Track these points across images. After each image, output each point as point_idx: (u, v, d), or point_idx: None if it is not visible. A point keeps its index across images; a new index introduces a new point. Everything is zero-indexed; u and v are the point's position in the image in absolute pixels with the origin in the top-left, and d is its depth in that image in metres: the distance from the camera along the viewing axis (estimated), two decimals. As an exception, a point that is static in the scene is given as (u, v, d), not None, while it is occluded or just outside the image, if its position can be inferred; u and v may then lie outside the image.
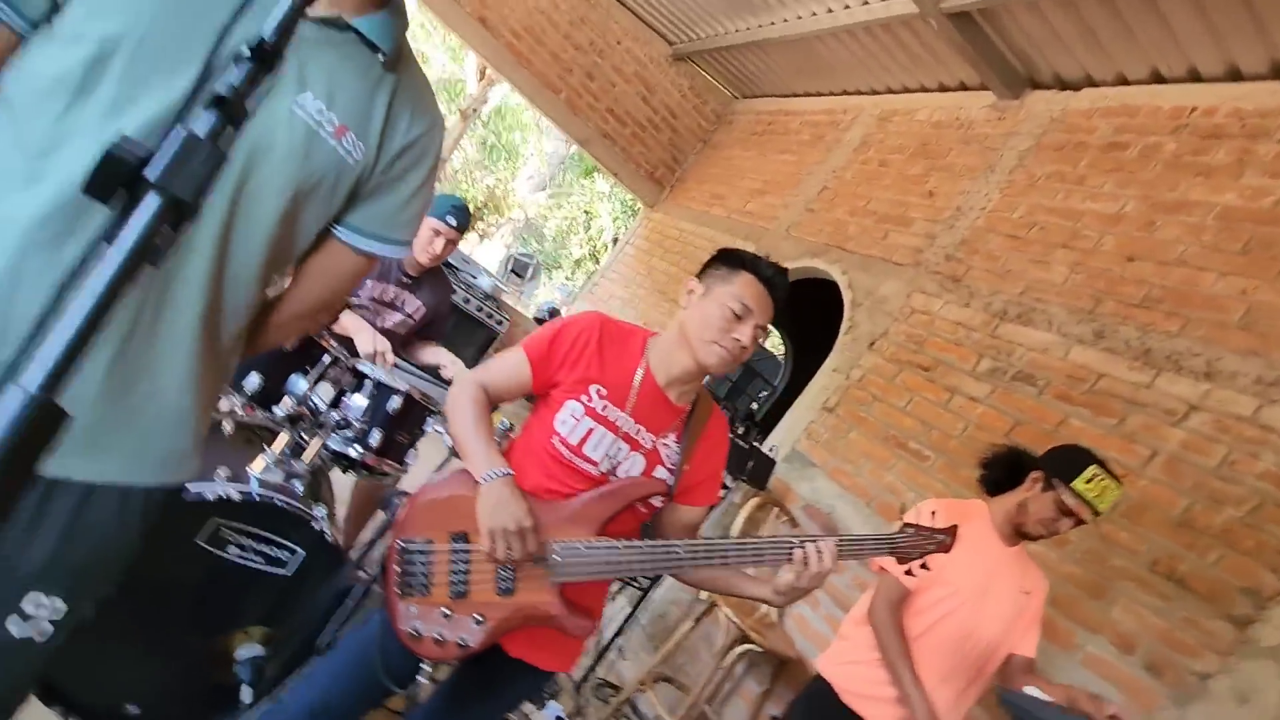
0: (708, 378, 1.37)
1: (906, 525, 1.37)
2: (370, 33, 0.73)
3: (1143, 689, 1.96)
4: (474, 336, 5.45)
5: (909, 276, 3.41)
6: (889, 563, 1.74)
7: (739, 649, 2.59)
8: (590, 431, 1.25)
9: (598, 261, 10.28)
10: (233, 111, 0.44)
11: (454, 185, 9.84)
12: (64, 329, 0.38)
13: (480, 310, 5.43)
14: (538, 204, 10.55)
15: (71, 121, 0.63)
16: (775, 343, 7.61)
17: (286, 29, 0.45)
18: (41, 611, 0.70)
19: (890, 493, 2.90)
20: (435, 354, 2.53)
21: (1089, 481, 1.70)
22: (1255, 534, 1.96)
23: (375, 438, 1.95)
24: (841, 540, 1.25)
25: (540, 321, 5.83)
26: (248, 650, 1.59)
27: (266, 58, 0.44)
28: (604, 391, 1.26)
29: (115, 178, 0.41)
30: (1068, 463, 1.76)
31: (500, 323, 5.57)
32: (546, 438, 1.27)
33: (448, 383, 2.40)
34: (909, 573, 1.43)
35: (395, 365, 2.22)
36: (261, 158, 0.70)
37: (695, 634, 2.75)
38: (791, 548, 1.21)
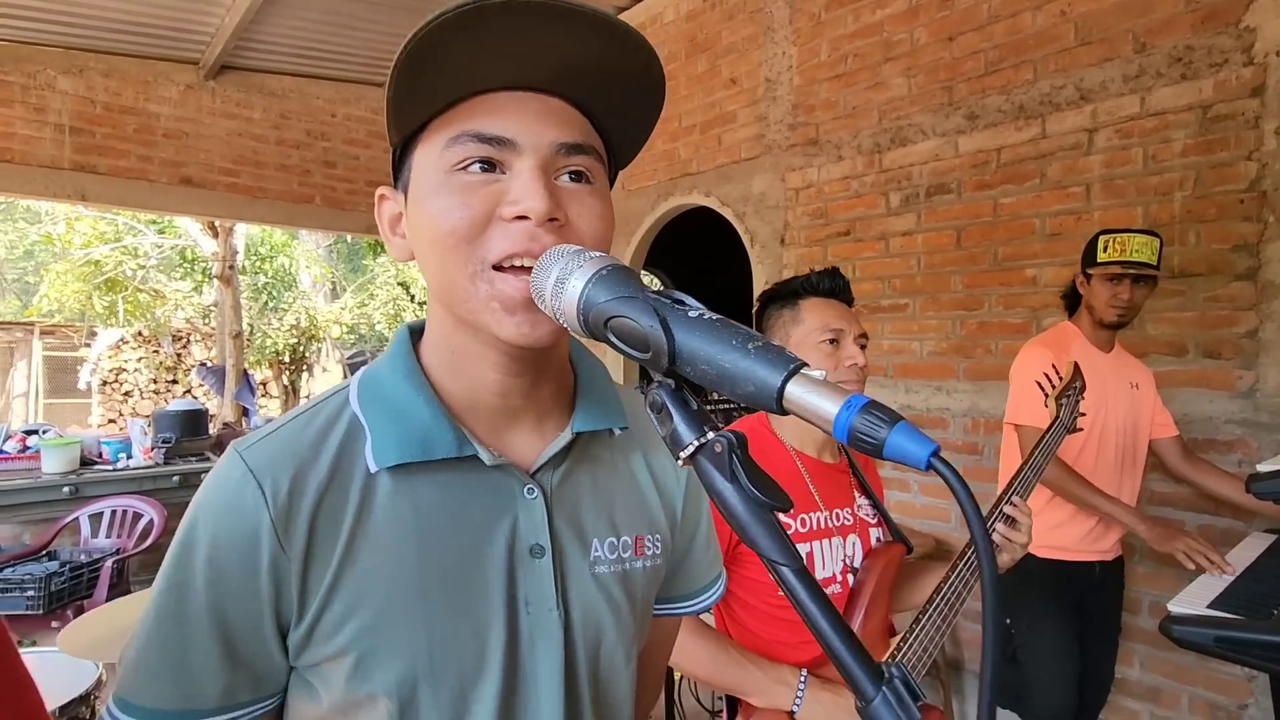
0: None
1: (1059, 398, 1.41)
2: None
3: (1213, 374, 2.17)
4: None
5: (770, 164, 3.41)
6: (1024, 415, 1.85)
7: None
8: (810, 555, 1.13)
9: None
10: None
11: (261, 351, 8.76)
12: None
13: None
14: (345, 309, 9.67)
15: None
16: (652, 283, 7.58)
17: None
18: None
19: (895, 354, 2.98)
20: None
21: (1105, 250, 1.87)
22: (1210, 200, 2.17)
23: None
24: (1024, 478, 1.25)
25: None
26: None
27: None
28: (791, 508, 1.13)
29: None
30: (1087, 251, 1.95)
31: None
32: (766, 597, 1.13)
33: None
34: (1075, 430, 1.47)
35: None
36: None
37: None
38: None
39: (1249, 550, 1.73)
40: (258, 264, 8.42)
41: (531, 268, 0.46)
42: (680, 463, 0.36)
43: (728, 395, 0.32)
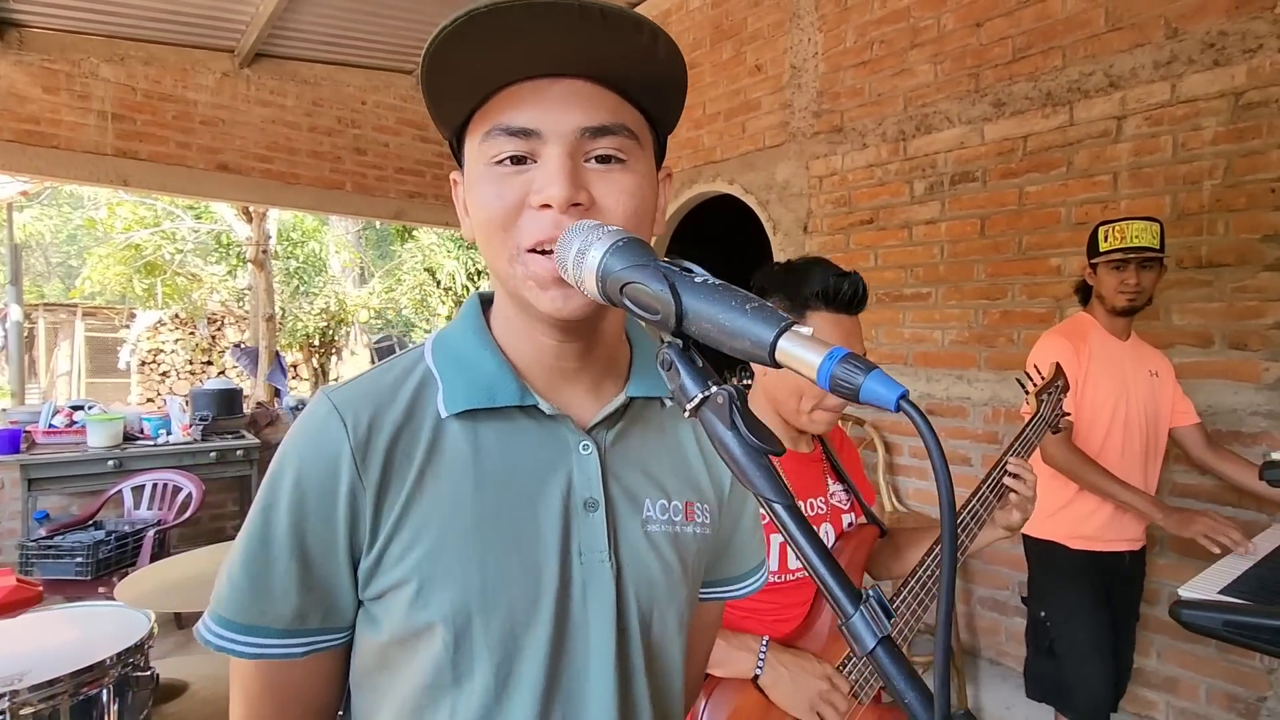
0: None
1: (1040, 394, 1.42)
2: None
3: (1239, 366, 2.15)
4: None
5: (794, 151, 3.41)
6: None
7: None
8: (783, 545, 1.15)
9: (466, 304, 9.78)
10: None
11: (293, 334, 8.98)
12: None
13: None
14: (373, 294, 9.85)
15: None
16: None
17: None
18: None
19: (917, 343, 2.98)
20: None
21: (1106, 239, 1.90)
22: (1240, 189, 2.14)
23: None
24: (1020, 448, 1.27)
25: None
26: None
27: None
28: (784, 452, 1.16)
29: None
30: (1090, 243, 1.99)
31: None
32: None
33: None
34: (1057, 430, 1.47)
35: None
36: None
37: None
38: (998, 490, 1.20)
39: (1269, 541, 1.73)
40: (289, 249, 8.61)
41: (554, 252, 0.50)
42: (686, 413, 0.40)
43: (727, 351, 0.37)
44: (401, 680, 0.55)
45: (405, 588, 0.53)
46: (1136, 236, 1.84)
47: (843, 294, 1.09)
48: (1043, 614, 2.01)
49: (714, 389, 0.39)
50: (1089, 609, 1.92)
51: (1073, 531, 1.93)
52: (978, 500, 1.20)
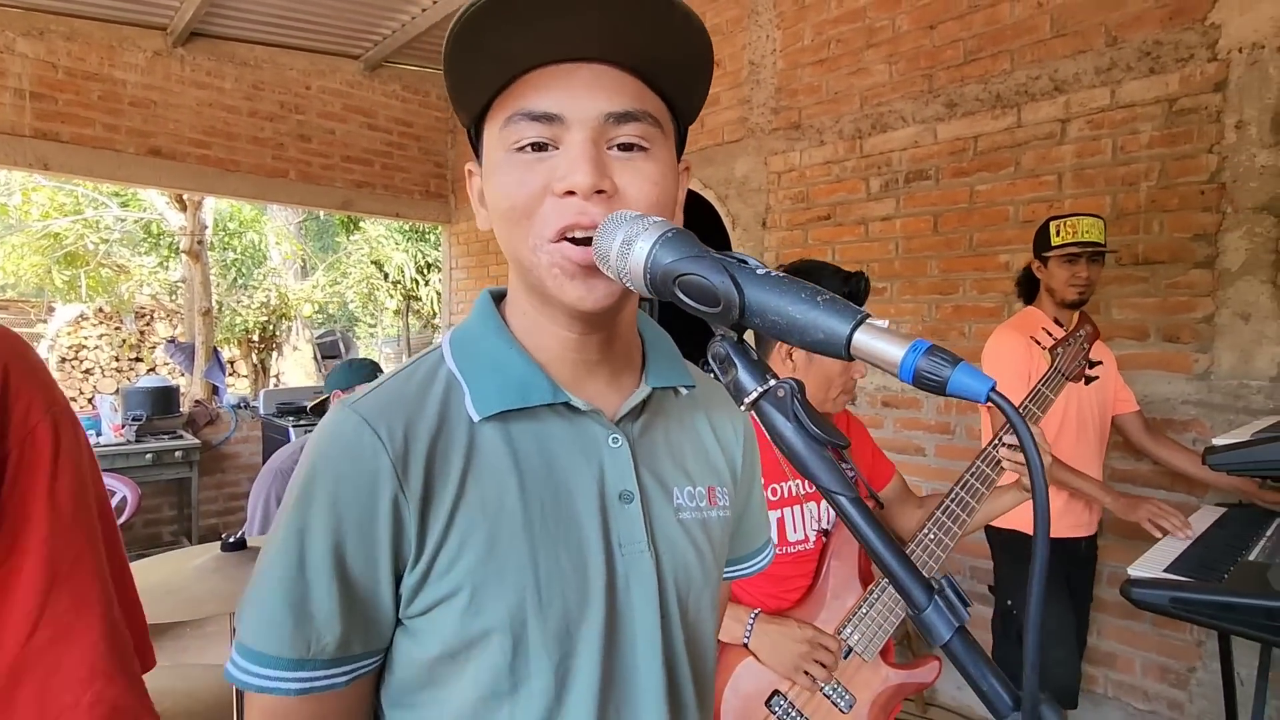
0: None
1: (1054, 348, 1.48)
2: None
3: (1172, 357, 2.29)
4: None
5: (753, 147, 3.45)
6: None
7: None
8: (780, 520, 1.20)
9: (417, 300, 9.55)
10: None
11: (230, 329, 8.57)
12: None
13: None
14: (316, 287, 9.48)
15: None
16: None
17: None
18: None
19: (872, 336, 3.06)
20: None
21: (1059, 234, 1.97)
22: (1173, 191, 2.27)
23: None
24: (1032, 403, 1.34)
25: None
26: None
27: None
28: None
29: None
30: (1039, 238, 2.05)
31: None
32: None
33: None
34: (1088, 380, 1.51)
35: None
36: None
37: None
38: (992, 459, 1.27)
39: (1200, 522, 1.85)
40: (226, 240, 8.20)
41: (583, 239, 0.49)
42: (744, 407, 0.40)
43: (795, 343, 0.37)
44: (452, 695, 0.53)
45: (457, 598, 0.52)
46: (1087, 231, 1.93)
47: (859, 293, 1.21)
48: (1009, 603, 2.07)
49: (773, 382, 0.39)
50: (1054, 595, 2.00)
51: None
52: (972, 475, 1.26)
